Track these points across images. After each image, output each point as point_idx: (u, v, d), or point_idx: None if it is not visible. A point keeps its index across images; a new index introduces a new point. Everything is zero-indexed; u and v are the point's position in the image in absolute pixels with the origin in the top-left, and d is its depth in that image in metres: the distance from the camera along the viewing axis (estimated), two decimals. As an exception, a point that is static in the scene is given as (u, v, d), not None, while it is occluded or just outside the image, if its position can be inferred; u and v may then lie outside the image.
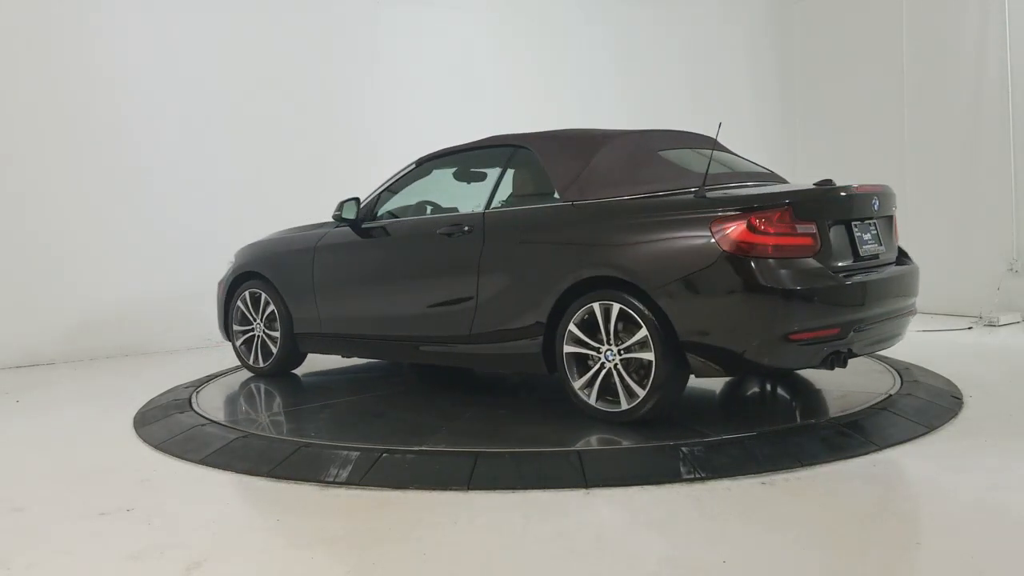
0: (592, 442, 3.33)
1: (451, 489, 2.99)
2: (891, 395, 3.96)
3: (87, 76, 6.48)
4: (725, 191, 3.62)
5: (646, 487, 2.94)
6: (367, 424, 3.90)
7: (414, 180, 4.58)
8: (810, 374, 4.50)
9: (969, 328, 6.46)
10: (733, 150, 4.43)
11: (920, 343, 5.82)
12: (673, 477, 3.00)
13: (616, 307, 3.47)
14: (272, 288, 4.86)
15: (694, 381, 3.70)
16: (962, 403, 3.97)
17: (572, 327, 3.59)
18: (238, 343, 5.10)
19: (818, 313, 3.36)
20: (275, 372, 4.97)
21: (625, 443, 3.31)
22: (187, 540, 2.64)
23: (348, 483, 3.09)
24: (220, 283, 5.26)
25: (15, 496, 3.12)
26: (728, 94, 9.04)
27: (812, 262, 3.38)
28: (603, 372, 3.53)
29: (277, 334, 4.87)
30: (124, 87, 6.62)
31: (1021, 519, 2.55)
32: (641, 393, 3.41)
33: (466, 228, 4.01)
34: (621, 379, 3.47)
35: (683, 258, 3.37)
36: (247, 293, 5.00)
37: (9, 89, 6.24)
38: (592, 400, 3.57)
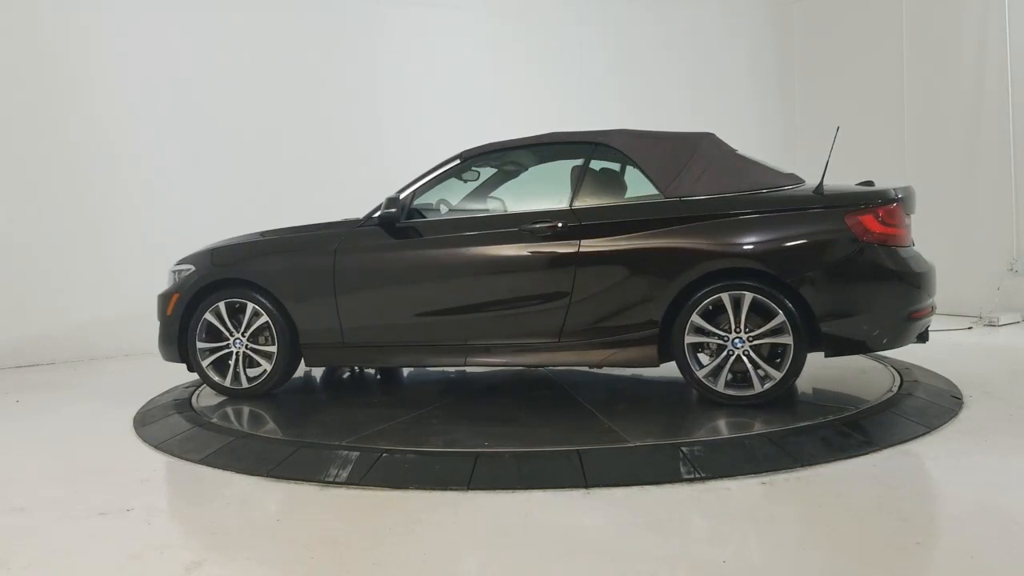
0: (592, 442, 3.33)
1: (451, 489, 2.99)
2: (891, 395, 3.97)
3: (85, 78, 6.49)
4: (837, 188, 3.94)
5: (646, 487, 2.93)
6: (519, 429, 3.69)
7: (457, 175, 4.39)
8: (810, 375, 4.49)
9: (969, 328, 6.46)
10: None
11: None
12: (673, 477, 3.00)
13: (748, 296, 3.68)
14: (267, 296, 4.30)
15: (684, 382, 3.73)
16: (962, 403, 3.97)
17: (695, 318, 3.75)
18: (205, 363, 4.40)
19: (926, 294, 3.84)
20: (262, 392, 4.38)
21: (625, 443, 3.31)
22: (187, 540, 2.64)
23: (348, 483, 3.09)
24: (168, 295, 4.51)
25: (15, 496, 3.12)
26: (728, 94, 9.04)
27: (916, 249, 3.94)
28: (731, 359, 3.73)
29: (271, 348, 4.31)
30: (123, 89, 6.63)
31: (1021, 519, 2.55)
32: (778, 376, 3.67)
33: (559, 224, 3.95)
34: (754, 364, 3.69)
35: (823, 248, 3.71)
36: (222, 304, 4.36)
37: (6, 93, 6.25)
38: (720, 387, 3.75)
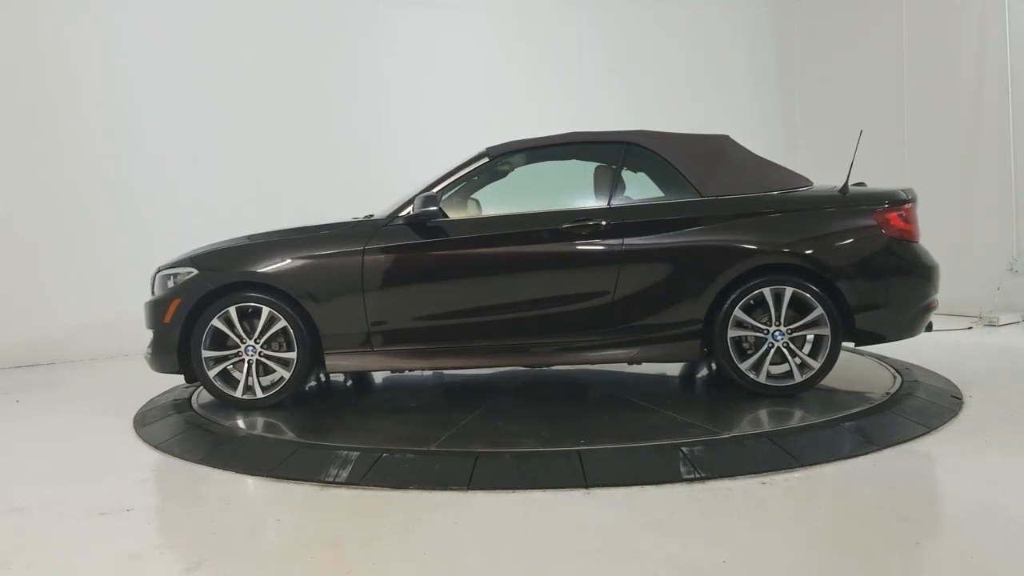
0: (592, 442, 3.33)
1: (451, 489, 2.99)
2: (891, 395, 3.97)
3: (85, 79, 6.49)
4: (856, 188, 4.20)
5: (646, 487, 2.94)
6: (605, 425, 3.66)
7: (486, 173, 4.32)
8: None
9: (969, 328, 6.46)
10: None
11: (920, 343, 5.81)
12: (673, 477, 3.00)
13: (789, 291, 3.91)
14: (284, 299, 4.07)
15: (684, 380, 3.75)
16: (962, 403, 3.98)
17: (738, 312, 3.94)
18: (212, 373, 4.12)
19: (935, 286, 4.13)
20: (275, 402, 4.14)
21: (625, 443, 3.31)
22: (187, 540, 2.64)
23: (348, 483, 3.09)
24: (166, 301, 4.15)
25: (15, 496, 3.12)
26: (728, 94, 9.05)
27: (924, 246, 4.18)
28: (771, 351, 3.95)
29: (288, 355, 4.08)
30: (123, 90, 6.63)
31: (1021, 519, 2.55)
32: (816, 365, 3.93)
33: (603, 223, 4.00)
34: (793, 354, 3.94)
35: (856, 245, 3.99)
36: (232, 309, 4.08)
37: (5, 93, 6.25)
38: (762, 378, 3.95)
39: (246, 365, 4.12)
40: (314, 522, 2.75)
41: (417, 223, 4.09)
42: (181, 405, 4.33)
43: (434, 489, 3.00)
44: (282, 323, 4.08)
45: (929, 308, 4.11)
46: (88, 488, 3.18)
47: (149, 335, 4.28)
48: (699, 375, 4.75)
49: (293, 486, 3.12)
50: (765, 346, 3.95)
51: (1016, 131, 6.97)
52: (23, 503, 3.04)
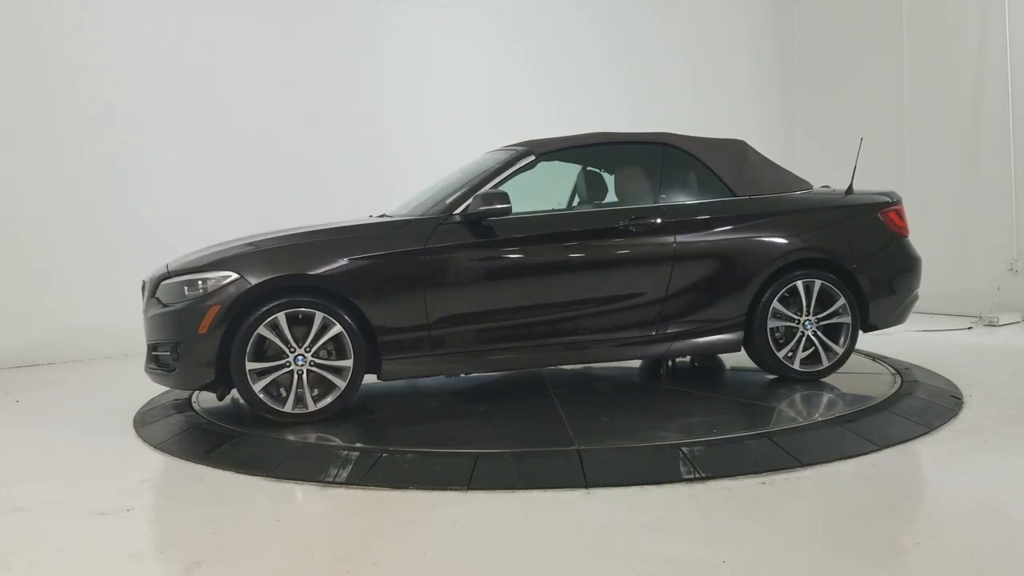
0: (592, 442, 3.33)
1: (451, 489, 2.99)
2: (891, 395, 3.97)
3: (86, 79, 6.49)
4: (860, 189, 4.58)
5: (646, 487, 2.93)
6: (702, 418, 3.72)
7: (528, 171, 4.26)
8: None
9: (969, 328, 6.46)
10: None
11: (920, 343, 5.82)
12: (673, 477, 3.00)
13: (818, 283, 4.25)
14: (341, 304, 3.78)
15: (689, 381, 3.74)
16: (962, 403, 3.98)
17: (776, 304, 4.22)
18: (257, 387, 3.73)
19: (920, 278, 4.57)
20: (327, 415, 3.83)
21: (625, 443, 3.31)
22: (187, 540, 2.64)
23: (348, 483, 3.09)
24: (201, 309, 3.70)
25: (15, 496, 3.12)
26: (728, 94, 9.05)
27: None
28: (803, 340, 4.27)
29: (344, 363, 3.80)
30: (124, 90, 6.64)
31: (1021, 519, 2.55)
32: (840, 351, 4.28)
33: (657, 221, 4.13)
34: (822, 342, 4.27)
35: (872, 240, 4.42)
36: (281, 315, 3.72)
37: (5, 94, 6.26)
38: (796, 365, 4.27)
39: (295, 376, 3.77)
40: (314, 522, 2.75)
41: (475, 220, 3.97)
42: (181, 405, 4.33)
43: (434, 489, 3.00)
44: (337, 329, 3.76)
45: (916, 298, 4.56)
46: (88, 488, 3.18)
47: (155, 348, 3.96)
48: (747, 393, 4.55)
49: (293, 486, 3.12)
50: (798, 335, 4.25)
51: (1016, 131, 6.97)
52: (23, 503, 3.04)
